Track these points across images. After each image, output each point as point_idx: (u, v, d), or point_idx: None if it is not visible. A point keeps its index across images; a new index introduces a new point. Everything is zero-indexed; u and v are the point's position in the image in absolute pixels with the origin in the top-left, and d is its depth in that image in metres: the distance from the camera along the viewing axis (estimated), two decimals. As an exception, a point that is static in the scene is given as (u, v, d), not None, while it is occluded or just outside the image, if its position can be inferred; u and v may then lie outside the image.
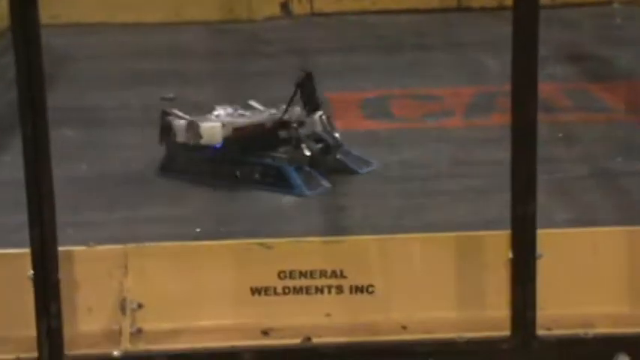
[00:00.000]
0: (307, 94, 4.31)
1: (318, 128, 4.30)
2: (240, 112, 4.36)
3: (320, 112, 4.30)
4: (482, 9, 7.10)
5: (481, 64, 5.86)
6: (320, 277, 3.08)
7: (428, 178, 4.30)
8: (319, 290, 3.06)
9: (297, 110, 4.29)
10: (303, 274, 3.07)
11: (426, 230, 3.38)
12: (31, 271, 2.80)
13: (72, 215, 3.71)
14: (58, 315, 2.82)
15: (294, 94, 4.24)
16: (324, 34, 6.94)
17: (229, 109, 4.37)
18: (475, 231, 3.16)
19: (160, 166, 4.35)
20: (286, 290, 3.06)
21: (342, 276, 3.08)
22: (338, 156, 4.32)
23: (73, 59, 6.20)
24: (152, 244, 3.03)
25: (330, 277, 3.08)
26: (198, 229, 3.76)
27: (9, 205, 3.89)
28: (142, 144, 4.68)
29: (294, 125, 4.23)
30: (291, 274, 3.07)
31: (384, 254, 3.11)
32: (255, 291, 3.06)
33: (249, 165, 4.19)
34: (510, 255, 2.88)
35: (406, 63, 6.01)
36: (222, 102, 5.11)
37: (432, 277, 3.09)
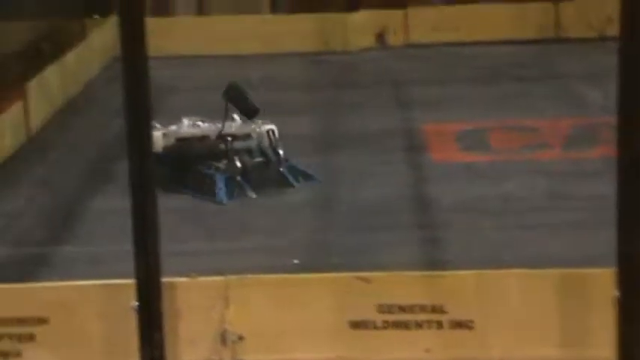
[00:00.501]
0: (238, 103, 4.59)
1: (264, 142, 4.55)
2: (200, 124, 4.64)
3: (269, 127, 4.58)
4: (581, 39, 7.05)
5: (580, 96, 5.81)
6: (420, 311, 3.06)
7: (525, 211, 4.26)
8: (419, 325, 3.05)
9: (243, 126, 4.59)
10: (402, 309, 3.06)
11: (525, 265, 3.34)
12: (135, 302, 2.84)
13: (171, 245, 3.77)
14: (161, 345, 2.85)
15: (226, 106, 4.54)
16: (419, 65, 6.95)
17: (190, 122, 4.67)
18: (575, 266, 3.12)
19: None
20: (386, 324, 3.05)
21: (442, 311, 3.07)
22: (281, 169, 4.53)
23: (172, 90, 6.28)
24: (253, 275, 3.05)
25: (430, 311, 3.07)
26: (296, 261, 3.77)
27: (112, 235, 3.96)
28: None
29: (229, 139, 4.49)
30: (391, 309, 3.06)
31: (484, 289, 3.08)
32: (355, 325, 3.05)
33: (186, 172, 4.47)
34: (616, 293, 2.83)
35: (503, 94, 5.99)
36: (317, 131, 5.17)
37: (533, 314, 3.06)
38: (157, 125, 4.50)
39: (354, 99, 6.05)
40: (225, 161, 4.45)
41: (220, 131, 4.52)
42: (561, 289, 3.05)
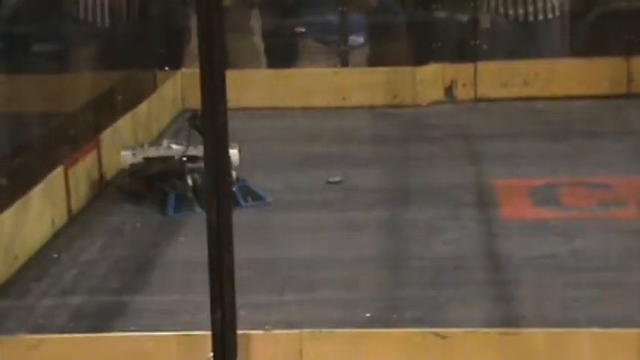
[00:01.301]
0: (201, 129, 5.02)
1: None
2: (174, 146, 5.22)
3: (232, 151, 4.93)
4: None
5: (655, 153, 5.76)
6: (496, 370, 3.04)
7: (599, 270, 4.22)
8: (493, 383, 3.03)
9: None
10: (479, 367, 3.04)
11: (600, 325, 3.30)
12: (211, 354, 2.85)
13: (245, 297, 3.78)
14: (236, 397, 2.86)
15: (189, 131, 5.04)
16: (488, 119, 6.93)
17: (167, 144, 5.28)
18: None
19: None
20: (460, 381, 3.03)
21: (517, 369, 3.05)
22: (233, 189, 4.95)
23: (242, 142, 6.32)
24: (326, 329, 3.05)
25: (505, 369, 3.04)
26: (368, 314, 3.76)
27: (184, 285, 3.99)
28: (308, 227, 4.76)
29: (184, 159, 5.06)
30: (465, 366, 3.05)
31: (556, 348, 3.05)
32: (429, 381, 3.04)
33: (148, 189, 5.12)
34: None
35: (575, 150, 5.95)
36: (386, 184, 5.19)
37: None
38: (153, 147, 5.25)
39: (424, 152, 6.04)
40: (177, 180, 5.01)
41: (184, 153, 5.09)
42: (637, 351, 3.01)
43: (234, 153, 5.03)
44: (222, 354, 2.84)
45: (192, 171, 5.04)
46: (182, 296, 3.88)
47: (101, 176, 5.35)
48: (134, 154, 5.24)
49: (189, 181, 5.01)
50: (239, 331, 2.89)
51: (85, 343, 3.08)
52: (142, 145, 5.40)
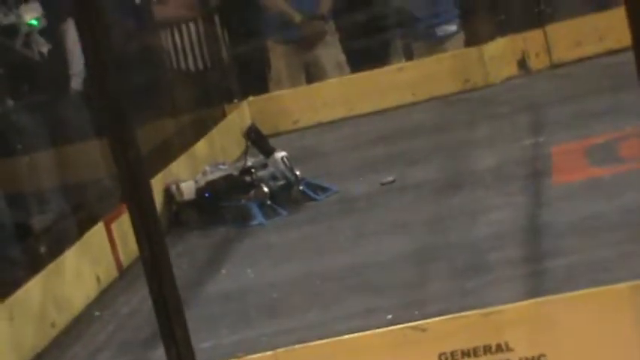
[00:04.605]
0: (257, 142, 5.27)
1: (281, 167, 5.07)
2: (221, 166, 5.33)
3: (282, 154, 5.14)
4: None
5: None
6: (485, 353, 2.84)
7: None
8: (484, 367, 2.82)
9: (260, 158, 5.21)
10: (465, 354, 2.84)
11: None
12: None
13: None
14: None
15: (246, 144, 5.27)
16: (562, 84, 6.62)
17: (211, 167, 5.35)
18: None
19: (168, 223, 5.25)
20: (448, 374, 2.83)
21: (509, 349, 2.83)
22: (300, 187, 5.10)
23: (318, 155, 6.23)
24: (301, 345, 2.91)
25: (496, 352, 2.83)
26: (389, 316, 3.60)
27: (228, 318, 3.93)
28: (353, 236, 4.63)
29: (253, 170, 5.12)
30: (453, 355, 2.85)
31: (551, 319, 2.82)
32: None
33: (223, 208, 5.14)
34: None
35: None
36: (439, 175, 5.02)
37: (611, 338, 2.78)
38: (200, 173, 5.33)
39: (484, 134, 5.81)
40: (252, 191, 4.97)
41: (243, 167, 5.07)
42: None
43: (285, 155, 5.18)
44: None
45: (261, 180, 5.13)
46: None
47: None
48: (196, 182, 5.30)
49: (265, 189, 5.07)
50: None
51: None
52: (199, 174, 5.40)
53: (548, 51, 7.14)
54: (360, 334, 2.97)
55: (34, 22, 5.52)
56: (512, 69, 7.13)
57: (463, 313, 2.89)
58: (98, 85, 2.65)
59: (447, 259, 4.09)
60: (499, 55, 7.14)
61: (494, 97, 6.73)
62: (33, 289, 4.15)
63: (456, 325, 2.86)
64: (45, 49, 5.43)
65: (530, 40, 7.13)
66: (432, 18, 7.58)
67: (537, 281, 3.69)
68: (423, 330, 2.86)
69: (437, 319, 2.89)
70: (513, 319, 2.85)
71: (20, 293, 4.04)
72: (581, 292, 2.88)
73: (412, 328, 2.87)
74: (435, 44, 7.53)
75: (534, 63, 7.13)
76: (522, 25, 7.22)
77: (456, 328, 2.86)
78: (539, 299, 2.89)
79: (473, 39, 7.36)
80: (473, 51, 7.13)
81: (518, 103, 6.34)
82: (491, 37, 7.19)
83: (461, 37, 7.63)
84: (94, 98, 2.69)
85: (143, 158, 2.74)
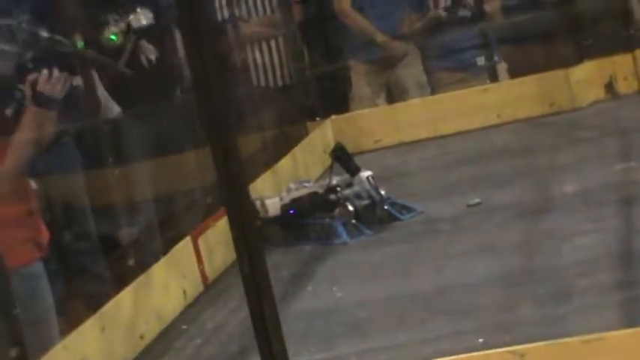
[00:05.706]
0: (343, 160, 5.27)
1: (366, 186, 5.12)
2: (306, 184, 5.35)
3: (368, 173, 5.15)
4: None
5: None
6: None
7: None
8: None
9: (345, 176, 5.24)
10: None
11: None
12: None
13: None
14: None
15: (332, 163, 5.27)
16: (650, 109, 6.55)
17: (296, 185, 5.36)
18: None
19: None
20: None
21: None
22: (385, 207, 5.11)
23: (401, 175, 6.22)
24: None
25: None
26: (480, 340, 3.56)
27: (315, 336, 3.92)
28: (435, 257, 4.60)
29: (339, 188, 5.12)
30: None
31: None
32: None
33: (307, 226, 5.15)
34: None
35: None
36: (525, 198, 4.97)
37: None
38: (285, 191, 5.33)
39: (572, 158, 5.74)
40: (337, 209, 5.04)
41: (328, 185, 5.15)
42: None
43: (371, 174, 5.19)
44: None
45: (346, 198, 5.12)
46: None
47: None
48: (282, 199, 5.30)
49: (350, 208, 5.08)
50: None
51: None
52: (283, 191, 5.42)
53: (637, 75, 7.06)
54: (456, 357, 2.95)
55: (114, 37, 5.60)
56: (599, 93, 7.07)
57: (563, 340, 2.85)
58: (203, 92, 2.68)
59: (536, 283, 4.04)
60: (586, 78, 7.07)
61: (580, 120, 6.67)
62: (123, 301, 4.18)
63: (555, 350, 2.83)
64: (153, 56, 5.51)
65: (619, 64, 7.06)
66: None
67: (631, 309, 3.63)
68: (522, 355, 2.83)
69: (536, 344, 2.86)
70: (614, 347, 2.80)
71: (111, 305, 4.07)
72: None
73: (511, 352, 2.84)
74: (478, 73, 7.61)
75: (622, 87, 7.06)
76: (610, 49, 7.16)
77: (555, 354, 2.82)
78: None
79: (558, 62, 7.31)
80: (559, 74, 7.07)
81: (606, 128, 6.27)
82: (579, 61, 7.14)
83: (503, 66, 7.71)
84: (198, 106, 2.70)
85: (244, 171, 2.75)
